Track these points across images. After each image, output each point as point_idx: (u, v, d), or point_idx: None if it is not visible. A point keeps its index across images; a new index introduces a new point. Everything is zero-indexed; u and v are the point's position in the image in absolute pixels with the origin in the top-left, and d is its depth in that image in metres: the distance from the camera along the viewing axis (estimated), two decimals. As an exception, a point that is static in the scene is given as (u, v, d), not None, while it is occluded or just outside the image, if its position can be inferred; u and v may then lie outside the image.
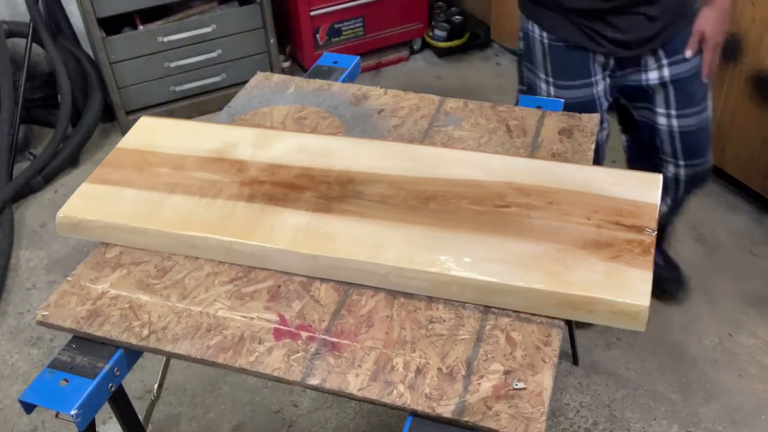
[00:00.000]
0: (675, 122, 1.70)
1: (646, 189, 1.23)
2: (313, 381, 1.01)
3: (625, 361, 1.94)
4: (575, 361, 1.93)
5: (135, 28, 2.77)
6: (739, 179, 2.40)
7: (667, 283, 2.09)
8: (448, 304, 1.11)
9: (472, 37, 3.40)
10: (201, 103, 2.96)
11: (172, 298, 1.15)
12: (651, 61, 1.65)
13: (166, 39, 2.77)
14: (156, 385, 1.60)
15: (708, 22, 1.59)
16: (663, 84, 1.67)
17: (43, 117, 2.90)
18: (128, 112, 2.87)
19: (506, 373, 1.01)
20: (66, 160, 2.69)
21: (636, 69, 1.67)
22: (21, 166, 2.64)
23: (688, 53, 1.63)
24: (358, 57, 1.82)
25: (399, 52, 3.36)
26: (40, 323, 1.14)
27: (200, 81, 2.93)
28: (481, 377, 1.00)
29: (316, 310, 1.12)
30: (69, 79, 2.68)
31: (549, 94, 1.68)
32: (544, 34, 1.64)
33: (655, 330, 2.01)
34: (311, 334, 1.08)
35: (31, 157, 2.73)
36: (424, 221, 1.19)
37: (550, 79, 1.67)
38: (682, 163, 1.76)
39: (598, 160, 1.66)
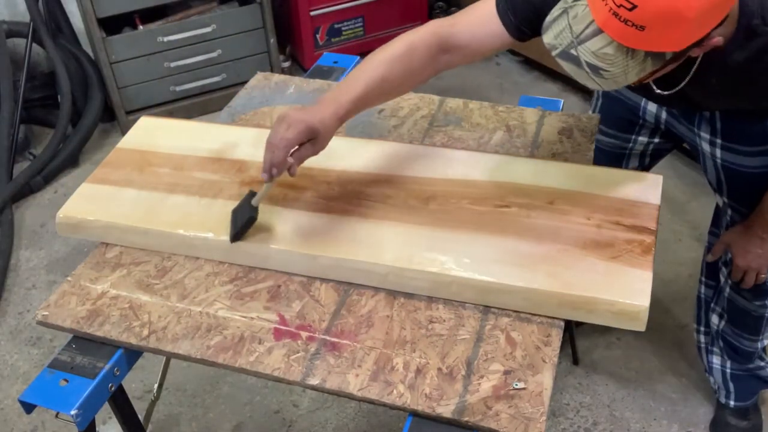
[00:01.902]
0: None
1: (646, 189, 1.23)
2: (313, 381, 1.01)
3: (625, 361, 1.94)
4: (575, 361, 1.92)
5: (135, 28, 2.77)
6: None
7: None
8: (448, 304, 1.11)
9: (472, 37, 3.39)
10: (201, 103, 2.96)
11: (172, 298, 1.15)
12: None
13: (166, 39, 2.77)
14: (156, 385, 1.60)
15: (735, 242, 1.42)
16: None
17: (43, 117, 2.89)
18: (128, 112, 2.87)
19: (506, 373, 1.01)
20: (66, 160, 2.69)
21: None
22: (21, 166, 2.64)
23: (709, 257, 1.52)
24: (358, 57, 1.82)
25: (399, 52, 3.35)
26: (40, 323, 1.14)
27: (200, 81, 2.92)
28: (481, 377, 1.00)
29: (316, 310, 1.12)
30: (69, 79, 2.68)
31: None
32: None
33: (655, 330, 2.01)
34: (311, 334, 1.08)
35: (31, 157, 2.73)
36: (424, 221, 1.19)
37: None
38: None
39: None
